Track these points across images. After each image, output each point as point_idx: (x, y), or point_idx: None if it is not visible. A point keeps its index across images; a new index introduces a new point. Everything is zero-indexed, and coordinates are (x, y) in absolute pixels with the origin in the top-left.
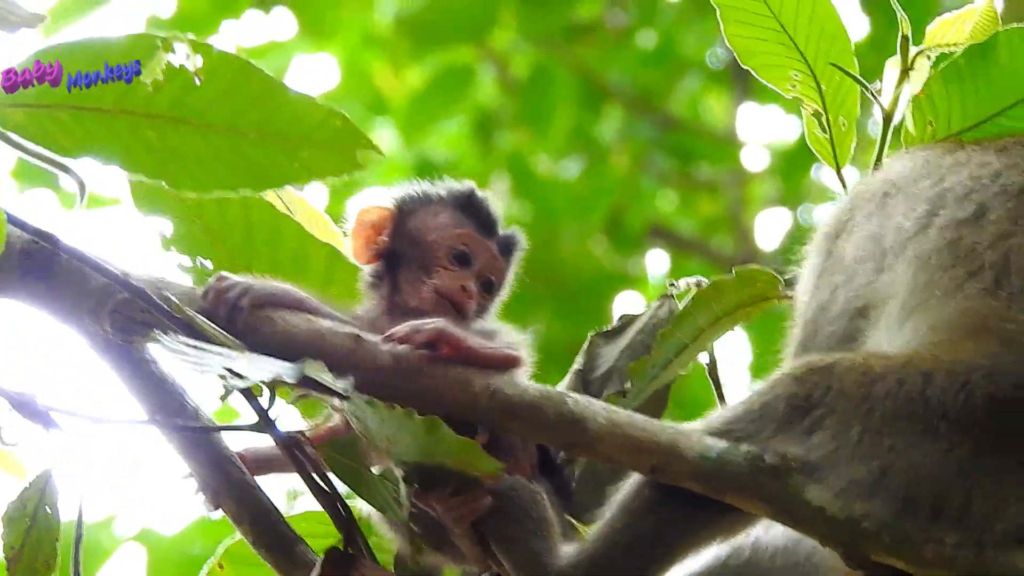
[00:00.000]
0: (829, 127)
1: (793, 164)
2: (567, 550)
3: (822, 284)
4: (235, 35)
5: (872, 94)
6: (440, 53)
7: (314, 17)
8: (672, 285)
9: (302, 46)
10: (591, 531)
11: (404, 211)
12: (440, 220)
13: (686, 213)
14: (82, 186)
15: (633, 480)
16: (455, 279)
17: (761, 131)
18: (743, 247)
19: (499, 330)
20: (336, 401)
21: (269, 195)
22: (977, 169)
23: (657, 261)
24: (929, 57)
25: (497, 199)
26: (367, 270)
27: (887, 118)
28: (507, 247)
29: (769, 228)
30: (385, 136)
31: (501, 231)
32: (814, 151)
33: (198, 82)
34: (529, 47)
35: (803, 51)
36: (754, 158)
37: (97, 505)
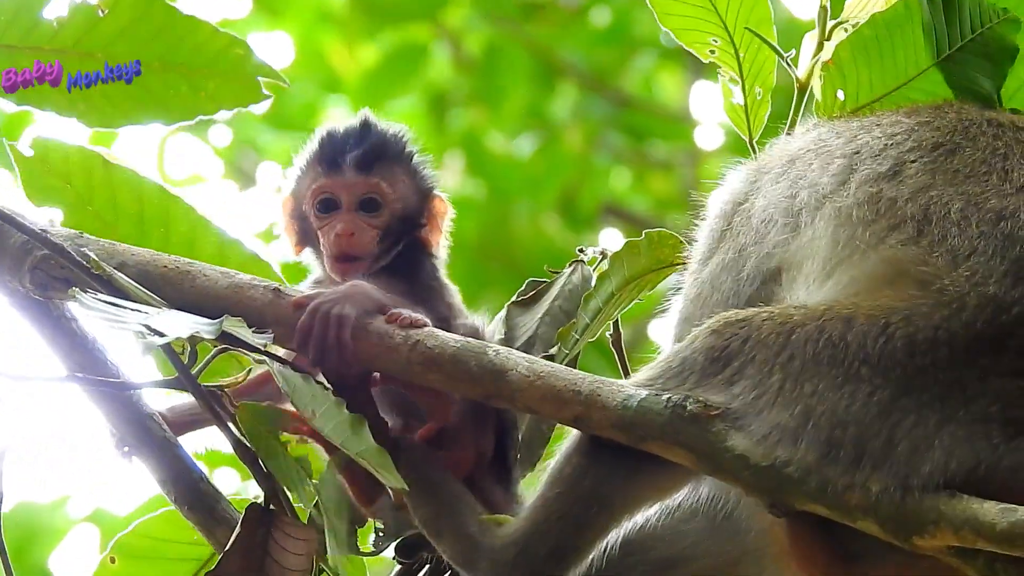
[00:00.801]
0: (745, 95)
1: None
2: (501, 530)
3: (723, 248)
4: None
5: (787, 62)
6: (394, 31)
7: None
8: (581, 251)
9: (256, 24)
10: (524, 507)
11: (295, 191)
12: (302, 186)
13: (640, 192)
14: None
15: (562, 450)
16: (330, 232)
17: (715, 110)
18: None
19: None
20: (274, 364)
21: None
22: (889, 127)
23: (610, 240)
24: (847, 29)
25: (352, 118)
26: (303, 261)
27: (802, 88)
28: (363, 160)
29: None
30: (339, 114)
31: (352, 151)
32: (728, 118)
33: (102, 14)
34: (483, 25)
35: (723, 17)
36: (708, 137)
37: (49, 486)
